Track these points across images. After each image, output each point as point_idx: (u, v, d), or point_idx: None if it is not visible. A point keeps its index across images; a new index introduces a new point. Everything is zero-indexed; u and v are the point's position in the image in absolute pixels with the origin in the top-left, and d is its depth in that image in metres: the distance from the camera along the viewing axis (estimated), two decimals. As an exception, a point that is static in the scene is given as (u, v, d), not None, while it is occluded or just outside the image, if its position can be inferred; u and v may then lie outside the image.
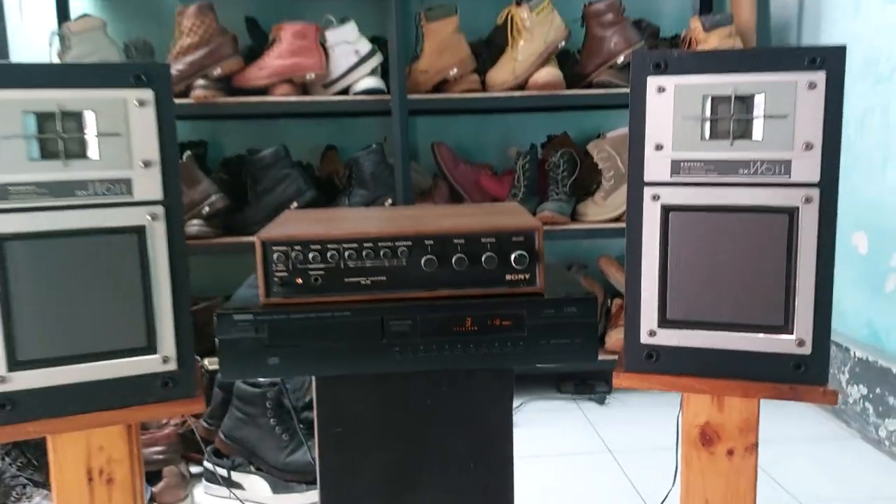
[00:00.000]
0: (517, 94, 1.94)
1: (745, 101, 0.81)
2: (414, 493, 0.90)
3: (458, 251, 0.84)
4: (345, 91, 1.91)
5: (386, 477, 0.89)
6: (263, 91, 1.86)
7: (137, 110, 0.75)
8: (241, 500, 1.53)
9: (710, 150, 0.82)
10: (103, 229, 0.75)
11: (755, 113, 0.81)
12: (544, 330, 0.84)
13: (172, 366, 0.80)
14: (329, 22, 1.91)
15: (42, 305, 0.74)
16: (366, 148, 1.95)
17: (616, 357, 0.95)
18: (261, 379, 1.58)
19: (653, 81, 0.82)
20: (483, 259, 0.84)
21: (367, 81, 1.88)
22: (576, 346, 0.85)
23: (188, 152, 1.90)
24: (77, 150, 0.74)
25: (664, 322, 0.85)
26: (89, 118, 0.74)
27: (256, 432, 1.54)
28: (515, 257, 0.84)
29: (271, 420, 1.53)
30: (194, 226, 1.85)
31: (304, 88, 1.91)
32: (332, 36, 1.88)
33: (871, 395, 1.75)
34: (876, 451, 1.73)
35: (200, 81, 1.82)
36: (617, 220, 2.05)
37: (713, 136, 0.82)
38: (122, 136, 0.75)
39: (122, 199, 0.76)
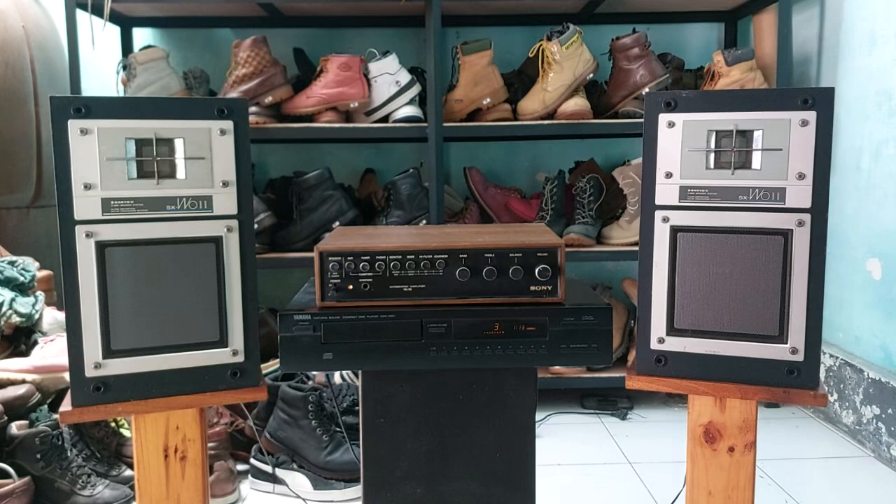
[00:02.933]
0: (546, 122, 2.05)
1: (746, 136, 0.92)
2: (446, 479, 1.01)
3: (489, 264, 0.95)
4: (385, 118, 2.05)
5: (421, 463, 1.00)
6: (310, 118, 2.01)
7: (219, 138, 0.89)
8: (285, 495, 1.65)
9: (714, 178, 0.92)
10: (187, 238, 0.88)
11: (754, 146, 0.91)
12: (564, 335, 0.95)
13: (240, 358, 0.92)
14: (372, 54, 2.05)
15: (133, 302, 0.87)
16: (403, 172, 2.08)
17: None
18: (305, 383, 1.71)
19: (664, 117, 0.94)
20: (510, 271, 0.95)
21: (406, 110, 2.02)
22: (592, 351, 0.95)
23: (239, 173, 2.04)
24: (168, 171, 0.87)
25: (672, 330, 0.95)
26: (179, 144, 0.87)
27: (299, 433, 1.66)
28: (539, 270, 0.95)
29: (312, 422, 1.65)
30: (243, 241, 1.98)
31: (347, 116, 2.05)
32: (374, 67, 2.02)
33: (883, 416, 1.82)
34: (889, 469, 1.79)
35: (253, 108, 1.97)
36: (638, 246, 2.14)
37: (717, 165, 0.93)
38: (206, 159, 0.88)
39: (204, 214, 0.89)
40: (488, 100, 2.03)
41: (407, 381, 1.00)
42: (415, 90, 2.05)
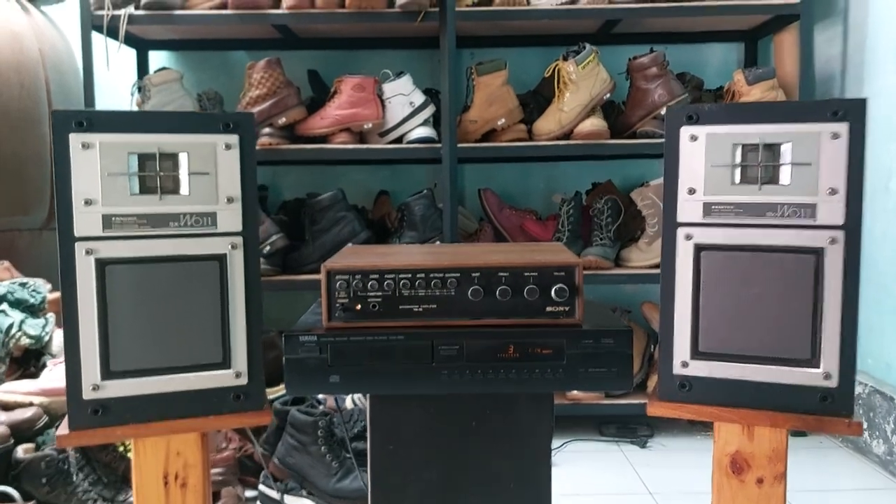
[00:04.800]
0: (563, 143, 2.02)
1: (773, 149, 0.88)
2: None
3: (503, 283, 0.91)
4: (399, 139, 2.03)
5: (432, 492, 0.95)
6: (323, 139, 1.99)
7: (224, 153, 0.86)
8: (291, 526, 1.60)
9: (739, 194, 0.88)
10: (190, 256, 0.85)
11: (782, 160, 0.87)
12: (582, 359, 0.91)
13: (244, 380, 0.89)
14: (386, 75, 2.04)
15: (134, 322, 0.84)
16: (417, 193, 2.05)
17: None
18: (315, 408, 1.67)
19: (686, 131, 0.90)
20: (525, 291, 0.91)
21: (420, 131, 2.00)
22: (612, 375, 0.91)
23: (252, 194, 2.02)
24: (171, 187, 0.85)
25: (696, 354, 0.90)
26: (183, 159, 0.85)
27: (308, 459, 1.62)
28: (556, 290, 0.91)
29: (322, 448, 1.60)
30: (255, 263, 1.96)
31: (361, 137, 2.03)
32: (388, 88, 2.01)
33: (917, 445, 1.74)
34: (923, 502, 1.71)
35: (266, 130, 1.96)
36: (660, 266, 2.10)
37: (743, 180, 0.88)
38: (211, 174, 0.86)
39: (208, 231, 0.86)
40: (503, 120, 2.01)
41: (417, 406, 0.95)
42: (429, 111, 2.02)
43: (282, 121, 1.95)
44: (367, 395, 0.96)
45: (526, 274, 0.92)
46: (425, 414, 0.95)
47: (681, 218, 0.91)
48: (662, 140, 1.94)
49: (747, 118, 0.88)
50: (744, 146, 0.88)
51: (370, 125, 1.97)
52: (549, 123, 2.04)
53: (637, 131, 2.07)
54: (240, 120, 0.87)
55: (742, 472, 0.91)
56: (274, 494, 1.61)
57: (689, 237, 0.90)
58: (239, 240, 0.88)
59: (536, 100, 2.17)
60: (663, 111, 2.04)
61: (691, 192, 0.90)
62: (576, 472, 1.89)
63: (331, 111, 1.96)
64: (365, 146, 1.99)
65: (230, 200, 0.87)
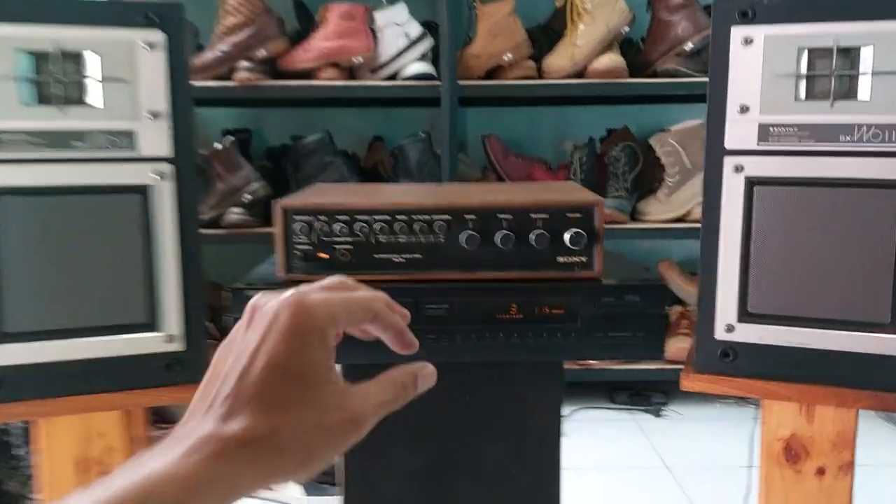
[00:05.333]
0: (576, 81, 1.82)
1: (850, 55, 0.68)
2: (448, 501, 0.79)
3: (504, 227, 0.73)
4: (393, 76, 1.83)
5: (416, 483, 0.78)
6: (309, 75, 1.79)
7: (146, 54, 0.67)
8: (273, 501, 1.45)
9: (806, 113, 0.69)
10: (103, 187, 0.67)
11: (862, 68, 0.68)
12: (601, 320, 0.73)
13: (178, 346, 0.71)
14: (378, 3, 1.83)
15: (33, 271, 0.66)
16: (412, 136, 1.86)
17: (678, 365, 0.82)
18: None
19: (738, 32, 0.70)
20: (532, 237, 0.73)
21: (416, 66, 1.79)
22: (637, 341, 0.73)
23: (230, 137, 1.84)
24: (76, 96, 0.66)
25: (745, 315, 0.72)
26: (91, 60, 0.66)
27: (288, 430, 1.45)
28: (570, 236, 0.72)
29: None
30: (234, 213, 1.78)
31: (350, 73, 1.83)
32: (380, 17, 1.80)
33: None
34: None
35: (244, 63, 1.76)
36: (681, 219, 1.91)
37: (810, 95, 0.69)
38: (128, 82, 0.67)
39: (126, 154, 0.68)
40: (509, 55, 1.80)
41: (397, 378, 0.78)
42: (426, 44, 1.82)
43: (261, 53, 1.75)
44: (340, 365, 0.78)
45: (533, 216, 0.73)
46: (407, 387, 0.78)
47: (729, 144, 0.72)
48: (686, 79, 1.73)
49: (818, 15, 0.69)
50: (812, 51, 0.69)
51: (360, 59, 1.77)
52: (560, 59, 1.83)
53: (658, 69, 1.86)
54: (167, 12, 0.67)
55: (798, 461, 0.74)
56: (250, 468, 1.45)
57: (739, 169, 0.71)
58: (167, 168, 0.69)
59: (547, 34, 1.95)
60: (688, 46, 1.82)
61: (743, 110, 0.71)
62: (585, 444, 1.72)
63: (316, 43, 1.75)
64: (355, 83, 1.79)
65: (154, 116, 0.68)
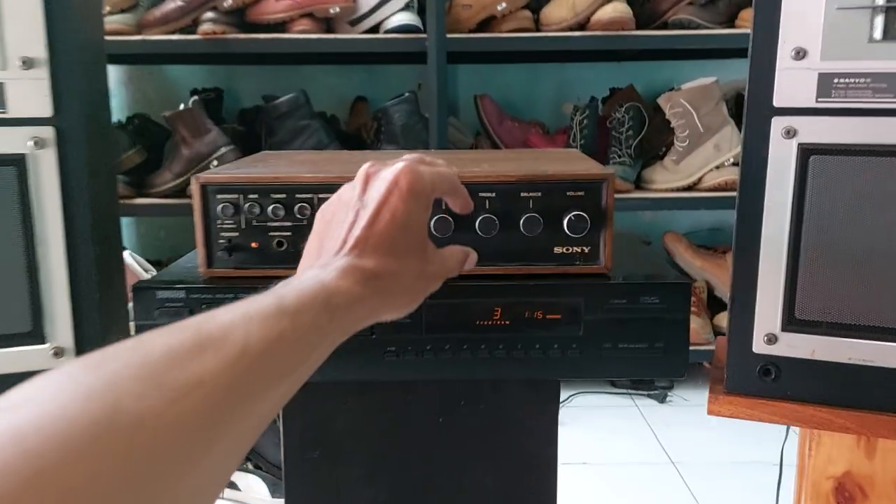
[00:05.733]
0: (577, 34, 1.64)
1: (944, -16, 0.51)
2: (417, 545, 0.64)
3: (486, 210, 0.57)
4: (374, 30, 1.65)
5: (377, 523, 0.64)
6: (281, 27, 1.61)
7: (6, -20, 0.50)
8: (235, 501, 1.31)
9: (883, 58, 0.53)
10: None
11: (959, 2, 0.51)
12: (609, 328, 0.57)
13: (69, 360, 0.55)
14: (357, -54, 1.64)
15: None
16: (397, 97, 1.68)
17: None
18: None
19: (794, -47, 0.53)
20: (522, 223, 0.57)
21: (400, 17, 1.61)
22: (655, 355, 0.57)
23: (195, 97, 1.66)
24: None
25: (791, 322, 0.57)
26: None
27: (254, 424, 1.31)
28: (570, 220, 0.56)
29: (271, 411, 1.30)
30: (200, 182, 1.61)
31: (327, 25, 1.64)
32: (360, -38, 1.61)
33: None
34: None
35: (209, 15, 1.59)
36: (690, 188, 1.75)
37: (888, 35, 0.52)
38: (-18, 18, 0.50)
39: (-16, 114, 0.51)
40: (504, 4, 1.62)
41: (354, 397, 0.62)
42: (412, -7, 1.63)
43: (227, 3, 1.57)
44: (281, 376, 0.63)
45: (524, 194, 0.57)
46: (368, 409, 0.63)
47: (779, 101, 0.55)
48: (700, 31, 1.54)
49: (901, -69, 0.52)
50: (891, -20, 0.52)
51: (337, 9, 1.59)
52: (560, 10, 1.65)
53: (668, 21, 1.68)
54: (34, -77, 0.50)
55: (853, 504, 0.59)
56: (213, 466, 1.31)
57: (790, 132, 0.55)
58: (48, 132, 0.53)
59: (545, -17, 1.77)
60: (703, -5, 1.64)
61: (799, 55, 0.54)
62: (583, 434, 1.59)
63: (287, -9, 1.57)
64: (332, 36, 1.62)
65: (27, 64, 0.52)
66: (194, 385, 0.27)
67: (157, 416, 0.25)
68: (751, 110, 0.56)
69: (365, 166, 0.46)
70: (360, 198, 0.44)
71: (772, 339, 0.57)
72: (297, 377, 0.34)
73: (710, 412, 0.59)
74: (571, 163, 0.65)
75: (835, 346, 0.56)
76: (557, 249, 0.58)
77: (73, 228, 0.55)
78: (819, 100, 0.54)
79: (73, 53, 0.54)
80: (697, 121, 1.71)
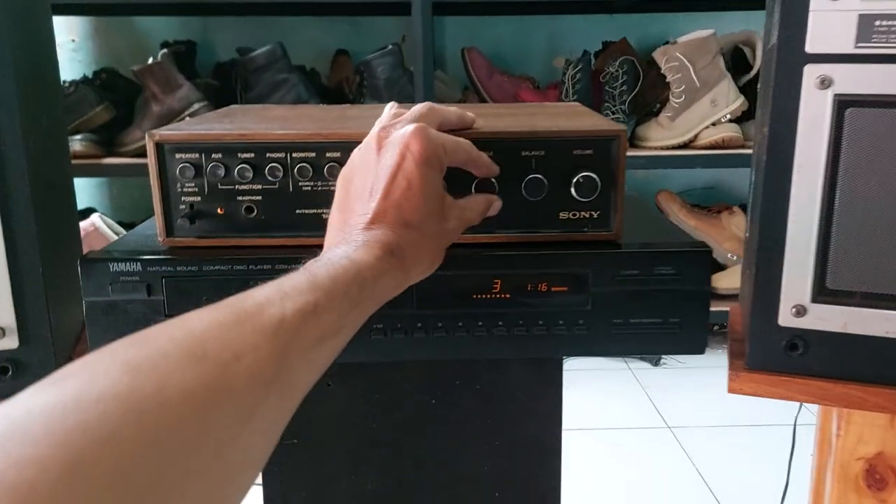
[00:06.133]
0: (570, -18, 1.56)
1: None
2: (408, 535, 0.59)
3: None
4: (356, -23, 1.55)
5: (365, 513, 0.58)
6: (255, -25, 1.52)
7: None
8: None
9: (936, -4, 0.46)
10: None
11: None
12: (620, 301, 0.51)
13: (10, 343, 0.49)
14: None
15: None
16: (380, 49, 1.60)
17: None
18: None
19: None
20: (524, 185, 0.50)
21: (382, -36, 1.52)
22: (672, 331, 0.52)
23: (164, 50, 1.57)
24: None
25: (822, 293, 0.51)
26: None
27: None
28: (578, 182, 0.50)
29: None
30: (173, 141, 1.53)
31: (305, -27, 1.55)
32: None
33: None
34: None
35: (178, -39, 1.48)
36: (685, 146, 1.69)
37: (943, -30, 0.46)
38: None
39: None
40: (493, -50, 1.52)
41: (336, 379, 0.57)
42: (395, -63, 1.53)
43: (196, -52, 1.46)
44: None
45: (525, 153, 0.51)
46: (351, 392, 0.57)
47: (812, 46, 0.49)
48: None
49: None
50: None
51: (315, -45, 1.49)
52: (552, -44, 1.56)
53: (666, -31, 1.59)
54: None
55: (885, 488, 0.54)
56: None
57: (825, 82, 0.49)
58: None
59: (536, -72, 1.68)
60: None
61: (839, -7, 0.47)
62: (576, 399, 1.55)
63: (261, -65, 1.47)
64: (310, -15, 1.52)
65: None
66: (236, 357, 0.28)
67: (205, 387, 0.26)
68: (781, 58, 0.50)
69: (376, 129, 0.45)
70: (374, 165, 0.43)
71: (800, 311, 0.52)
72: (334, 345, 0.35)
73: (731, 391, 0.54)
74: (576, 118, 0.58)
75: (869, 319, 0.51)
76: (563, 215, 0.52)
77: (5, 195, 0.48)
78: (858, 45, 0.48)
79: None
80: (694, 75, 1.64)
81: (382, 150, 0.43)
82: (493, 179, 0.50)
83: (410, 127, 0.43)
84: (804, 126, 0.50)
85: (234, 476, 0.27)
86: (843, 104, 0.49)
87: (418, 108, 0.48)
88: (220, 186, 0.50)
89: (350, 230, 0.41)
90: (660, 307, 0.51)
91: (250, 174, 0.50)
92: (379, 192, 0.42)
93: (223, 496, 0.26)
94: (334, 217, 0.44)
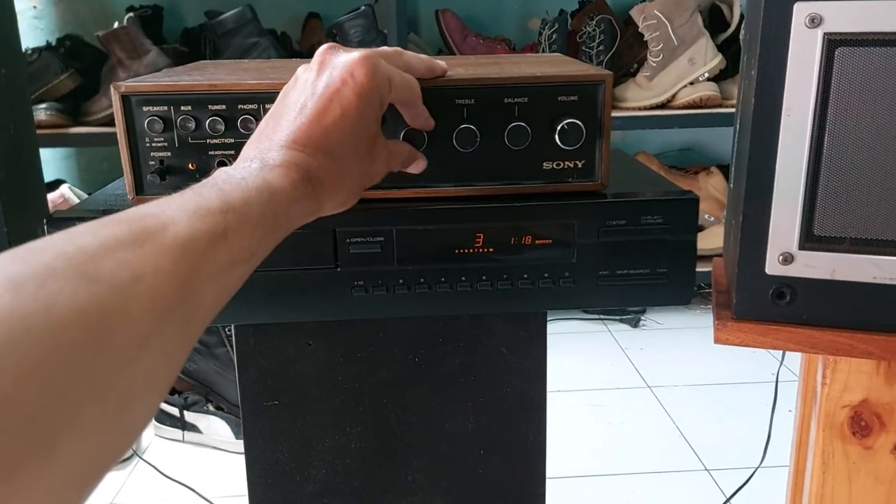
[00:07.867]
0: (545, -61, 1.52)
1: None
2: (391, 495, 0.58)
3: (465, 119, 0.49)
4: (326, -64, 1.51)
5: (348, 471, 0.57)
6: (221, -66, 1.46)
7: None
8: (198, 444, 1.25)
9: (928, -72, 0.45)
10: None
11: None
12: (607, 252, 0.50)
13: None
14: None
15: None
16: (352, 11, 1.56)
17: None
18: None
19: None
20: (506, 134, 0.49)
21: (353, -79, 1.48)
22: (659, 281, 0.51)
23: (130, 14, 1.51)
24: None
25: (810, 240, 0.50)
26: None
27: (214, 364, 1.24)
28: (563, 130, 0.49)
29: (231, 349, 1.22)
30: (141, 108, 1.49)
31: (273, -69, 1.50)
32: None
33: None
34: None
35: (139, -81, 1.42)
36: (663, 106, 1.68)
37: None
38: None
39: None
40: None
41: (317, 338, 0.55)
42: None
43: None
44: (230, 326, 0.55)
45: (508, 100, 0.49)
46: (332, 351, 0.55)
47: (801, -16, 0.47)
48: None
49: None
50: None
51: (283, -88, 1.44)
52: (527, -88, 1.52)
53: (642, -76, 1.57)
54: None
55: (869, 434, 0.54)
56: (172, 410, 1.24)
57: (815, 21, 0.47)
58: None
59: None
60: None
61: (830, -73, 0.46)
62: (556, 361, 1.55)
63: None
64: (278, -56, 1.47)
65: None
66: (136, 278, 0.26)
67: (99, 308, 0.24)
68: (769, -4, 0.48)
69: (323, 47, 0.42)
70: (313, 82, 0.41)
71: (787, 258, 0.51)
72: (245, 270, 0.34)
73: (717, 341, 0.53)
74: (559, 65, 0.57)
75: (857, 265, 0.50)
76: (547, 164, 0.50)
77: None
78: (850, -20, 0.46)
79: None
80: (672, 33, 1.63)
81: (324, 69, 0.41)
82: (473, 128, 0.48)
83: (358, 52, 0.41)
84: (793, 68, 0.48)
85: (133, 401, 0.25)
86: (834, 43, 0.47)
87: (385, 48, 0.45)
88: (190, 140, 0.48)
89: (270, 144, 0.39)
90: (647, 258, 0.50)
91: (222, 127, 0.48)
92: (309, 112, 0.39)
93: (122, 420, 0.24)
94: (268, 122, 0.41)
